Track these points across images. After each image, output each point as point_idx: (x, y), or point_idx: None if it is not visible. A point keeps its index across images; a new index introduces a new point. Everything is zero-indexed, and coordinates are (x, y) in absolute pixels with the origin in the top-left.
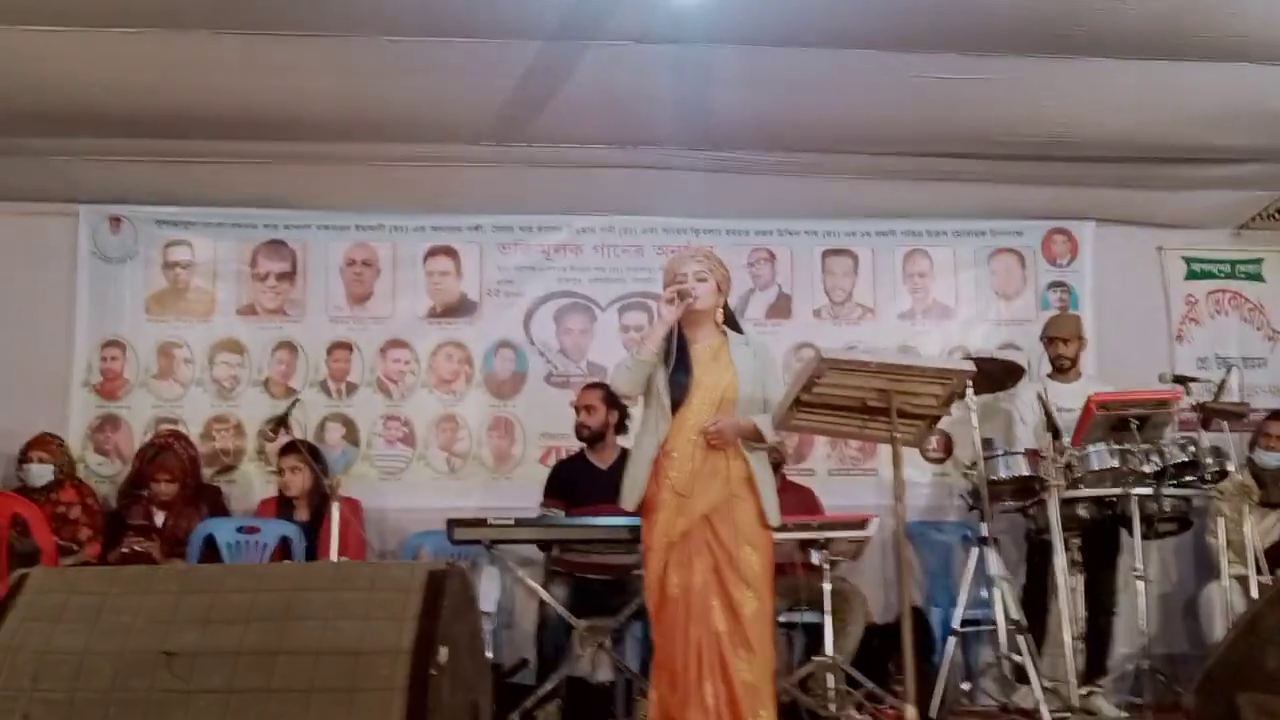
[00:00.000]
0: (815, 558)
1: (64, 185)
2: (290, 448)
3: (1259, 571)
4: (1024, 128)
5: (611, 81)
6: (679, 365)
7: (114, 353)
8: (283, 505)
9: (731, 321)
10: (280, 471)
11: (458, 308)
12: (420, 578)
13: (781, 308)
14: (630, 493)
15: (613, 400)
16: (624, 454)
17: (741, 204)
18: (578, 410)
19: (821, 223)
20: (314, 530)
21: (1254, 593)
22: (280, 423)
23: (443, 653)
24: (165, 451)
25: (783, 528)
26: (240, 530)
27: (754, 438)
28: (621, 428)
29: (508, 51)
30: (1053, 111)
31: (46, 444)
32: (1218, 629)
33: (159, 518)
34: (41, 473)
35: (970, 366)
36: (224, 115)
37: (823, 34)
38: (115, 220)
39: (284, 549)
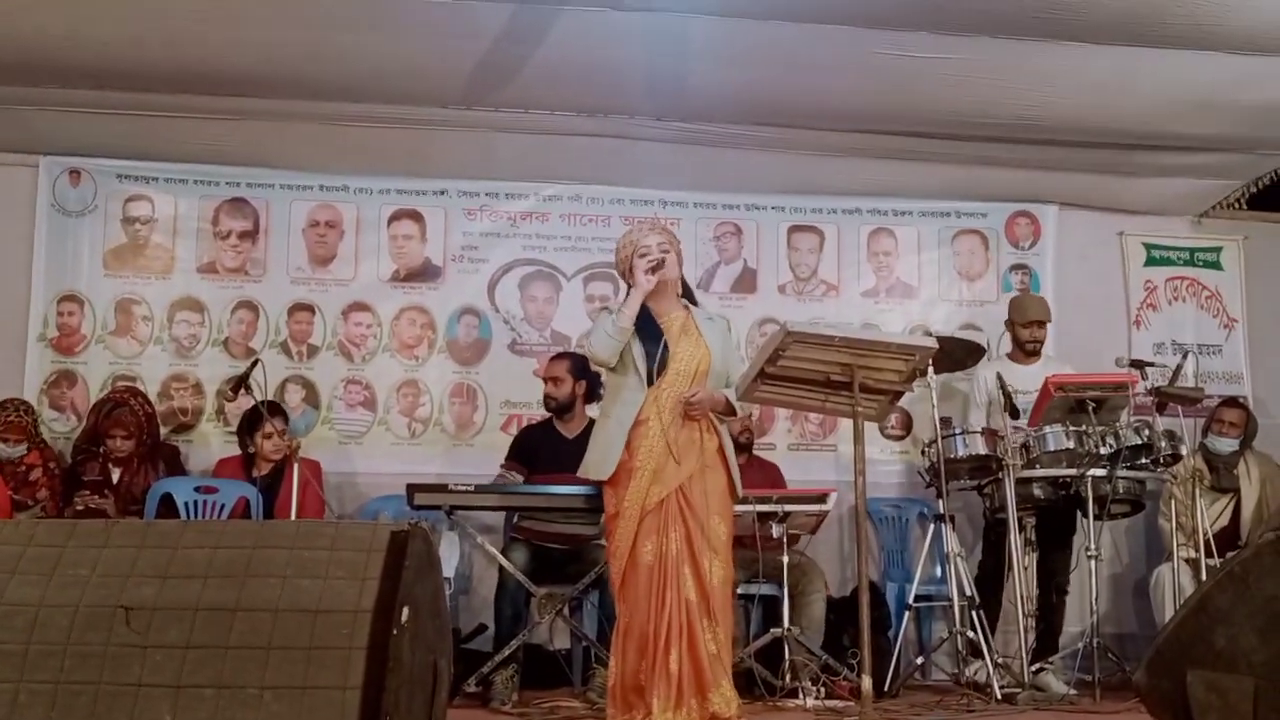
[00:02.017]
0: (774, 531)
1: (24, 136)
2: (270, 411)
3: (1209, 555)
4: (992, 109)
5: (584, 49)
6: (650, 336)
7: (71, 307)
8: (246, 465)
9: (688, 294)
10: (269, 435)
11: (421, 272)
12: (383, 538)
13: (746, 282)
14: (602, 462)
15: (581, 371)
16: (591, 424)
17: (709, 177)
18: (545, 382)
19: (788, 198)
20: (273, 492)
21: (1203, 575)
22: (240, 383)
23: (404, 613)
24: (121, 407)
25: (744, 500)
26: (198, 490)
27: (725, 411)
28: (592, 396)
29: (480, 13)
30: (1022, 94)
31: (22, 427)
32: (1167, 610)
33: (115, 475)
34: (13, 453)
35: (933, 343)
36: (189, 70)
37: (796, 8)
38: (75, 173)
39: (242, 509)
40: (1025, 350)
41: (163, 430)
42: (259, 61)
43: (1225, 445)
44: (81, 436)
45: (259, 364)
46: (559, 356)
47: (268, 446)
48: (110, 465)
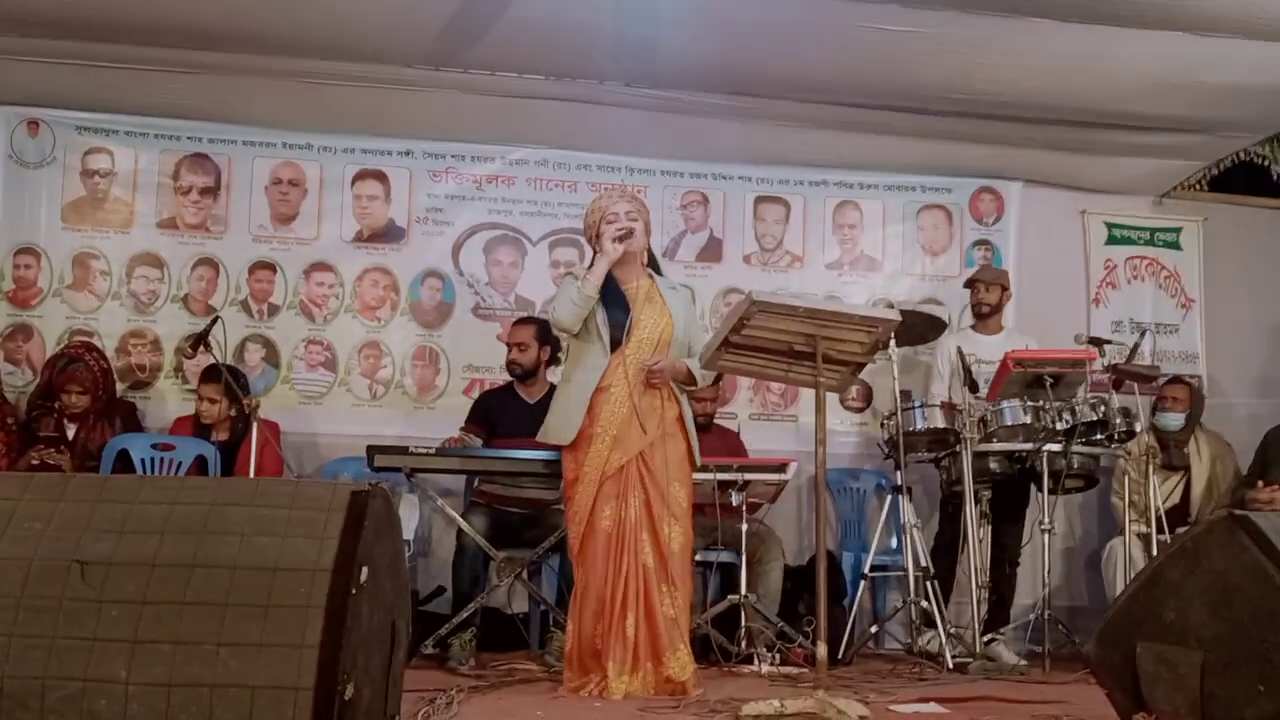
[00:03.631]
0: (734, 499)
1: None
2: (212, 375)
3: (1160, 530)
4: (961, 84)
5: (553, 11)
6: (615, 304)
7: (28, 260)
8: (200, 424)
9: (654, 263)
10: (200, 399)
11: (385, 234)
12: (343, 497)
13: (712, 251)
14: (563, 427)
15: (545, 336)
16: (552, 389)
17: (678, 145)
18: (510, 347)
19: (755, 169)
20: (231, 451)
21: (1154, 551)
22: (199, 341)
23: (363, 572)
24: (76, 363)
25: (704, 468)
26: (155, 447)
27: (686, 380)
28: (554, 361)
29: None
30: (989, 70)
31: None
32: (1118, 584)
33: (70, 430)
34: None
35: (896, 315)
36: (152, 21)
37: None
38: (34, 124)
39: (199, 468)
40: (974, 313)
41: (119, 387)
42: (224, 15)
43: (1172, 420)
44: (36, 392)
45: (219, 322)
46: (524, 321)
47: (204, 409)
48: (65, 421)
